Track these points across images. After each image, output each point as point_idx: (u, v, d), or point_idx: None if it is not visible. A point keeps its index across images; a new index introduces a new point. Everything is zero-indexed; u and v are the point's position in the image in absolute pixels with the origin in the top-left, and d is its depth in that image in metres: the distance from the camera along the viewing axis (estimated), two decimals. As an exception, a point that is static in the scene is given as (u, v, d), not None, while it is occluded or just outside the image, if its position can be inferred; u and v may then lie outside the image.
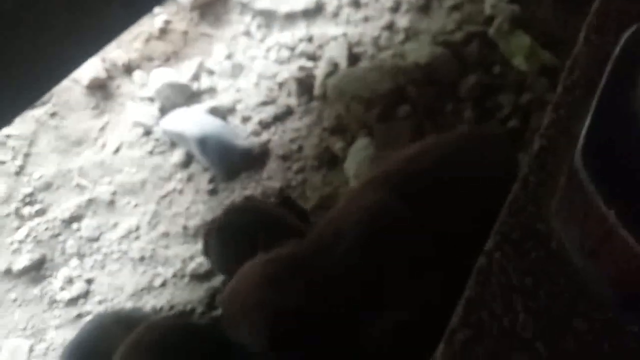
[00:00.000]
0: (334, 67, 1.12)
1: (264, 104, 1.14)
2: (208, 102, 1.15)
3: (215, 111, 1.13)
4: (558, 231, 0.50)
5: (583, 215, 0.46)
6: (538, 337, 0.45)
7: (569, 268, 0.48)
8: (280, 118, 1.12)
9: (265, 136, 1.11)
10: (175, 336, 0.76)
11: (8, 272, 1.03)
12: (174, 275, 1.01)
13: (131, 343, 0.75)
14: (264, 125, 1.12)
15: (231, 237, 0.83)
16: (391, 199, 0.67)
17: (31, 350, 0.96)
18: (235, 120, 1.14)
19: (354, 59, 1.14)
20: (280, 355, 0.62)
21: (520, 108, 1.02)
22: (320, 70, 1.13)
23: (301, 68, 1.14)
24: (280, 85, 1.16)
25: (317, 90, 1.11)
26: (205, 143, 1.06)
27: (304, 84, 1.13)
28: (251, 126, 1.12)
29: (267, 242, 0.70)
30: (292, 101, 1.14)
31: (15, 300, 1.01)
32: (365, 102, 1.03)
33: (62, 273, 1.03)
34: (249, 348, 0.66)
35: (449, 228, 0.67)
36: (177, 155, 1.11)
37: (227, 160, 1.06)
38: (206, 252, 0.89)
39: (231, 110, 1.15)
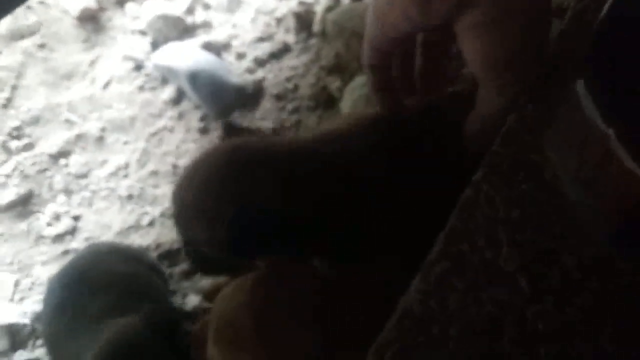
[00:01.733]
0: (335, 2, 1.06)
1: (260, 40, 1.09)
2: (202, 37, 1.10)
3: (209, 46, 1.08)
4: (553, 161, 0.46)
5: (581, 141, 0.42)
6: (521, 271, 0.41)
7: (561, 201, 0.44)
8: (276, 55, 1.07)
9: (260, 74, 1.06)
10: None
11: (-6, 206, 1.01)
12: (162, 215, 0.98)
13: None
14: (259, 62, 1.07)
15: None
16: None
17: (17, 284, 0.95)
18: (229, 57, 1.08)
19: (355, -6, 1.07)
20: (239, 259, 0.54)
21: None
22: (320, 5, 1.07)
23: (300, 3, 1.08)
24: (278, 20, 1.10)
25: (316, 27, 1.05)
26: (197, 79, 1.02)
27: (303, 20, 1.07)
28: (246, 63, 1.07)
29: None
30: (290, 38, 1.08)
31: (1, 234, 1.00)
32: (365, 39, 0.97)
33: (49, 209, 1.01)
34: (201, 250, 0.55)
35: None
36: (168, 92, 1.07)
37: (219, 97, 1.02)
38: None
39: (226, 46, 1.09)
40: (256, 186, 0.50)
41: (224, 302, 0.49)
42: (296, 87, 1.03)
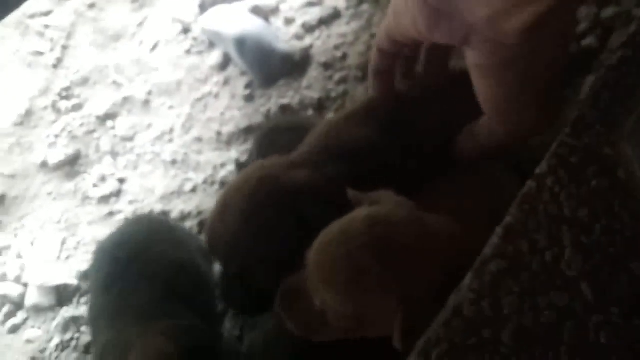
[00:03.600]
0: (390, -34, 1.00)
1: (310, 4, 1.04)
2: (250, 1, 1.07)
3: (257, 10, 1.05)
4: (629, 157, 0.42)
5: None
6: (585, 278, 0.38)
7: (636, 201, 0.40)
8: (325, 22, 1.03)
9: (308, 41, 1.02)
10: None
11: (44, 165, 1.03)
12: (204, 182, 0.98)
13: None
14: (308, 28, 1.03)
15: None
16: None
17: (63, 242, 0.97)
18: (277, 22, 1.05)
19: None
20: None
21: (601, 23, 0.88)
22: (373, -31, 1.02)
23: (353, -34, 1.03)
24: (329, -15, 1.05)
25: (368, -8, 1.01)
26: (243, 44, 0.99)
27: (355, -15, 1.02)
28: (294, 29, 1.03)
29: None
30: (341, 3, 1.03)
31: (50, 193, 1.02)
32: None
33: (96, 170, 1.02)
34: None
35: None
36: (214, 57, 1.05)
37: (265, 64, 0.99)
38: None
39: (274, 10, 1.06)
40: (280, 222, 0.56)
41: (335, 246, 0.47)
42: (345, 56, 0.99)
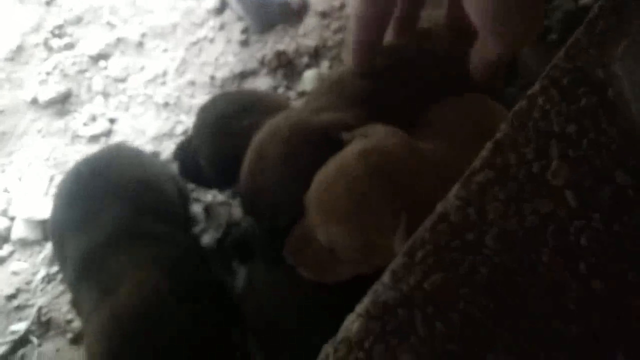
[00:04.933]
0: None
1: (310, -47, 1.04)
2: (249, -54, 1.05)
3: (256, -44, 1.04)
4: (619, 78, 0.42)
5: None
6: (570, 187, 0.39)
7: (623, 118, 0.41)
8: (325, -30, 1.02)
9: (306, -11, 1.01)
10: None
11: (34, 101, 1.02)
12: (196, 125, 0.97)
13: None
14: (307, -24, 1.02)
15: None
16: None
17: (51, 179, 0.97)
18: (276, -31, 1.04)
19: None
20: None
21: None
22: None
23: None
24: None
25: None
26: (241, -11, 0.98)
27: None
28: (293, -24, 1.02)
29: None
30: (341, -47, 1.03)
31: (40, 130, 1.01)
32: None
33: (87, 109, 1.01)
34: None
35: None
36: (211, 1, 1.04)
37: (262, 10, 0.99)
38: None
39: (273, -43, 1.05)
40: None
41: (333, 182, 0.48)
42: (342, 5, 0.99)
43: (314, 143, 0.57)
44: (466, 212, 0.40)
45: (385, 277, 0.38)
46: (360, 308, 0.38)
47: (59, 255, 0.72)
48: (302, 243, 0.51)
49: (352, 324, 0.37)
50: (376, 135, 0.51)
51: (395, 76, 0.61)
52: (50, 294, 0.85)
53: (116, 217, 0.68)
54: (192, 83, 1.01)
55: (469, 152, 0.44)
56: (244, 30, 1.01)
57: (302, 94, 0.94)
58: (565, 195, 0.38)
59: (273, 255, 0.60)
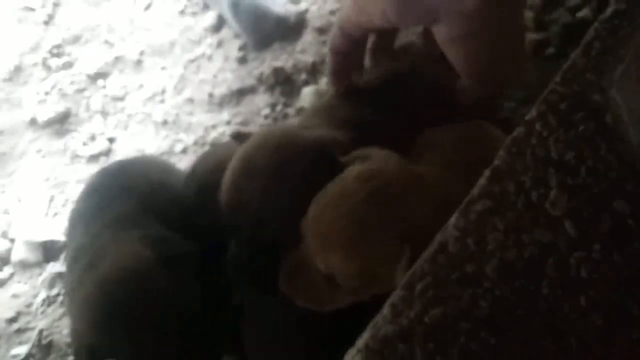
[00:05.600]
0: None
1: (306, -31, 1.04)
2: (246, -37, 1.06)
3: (252, -27, 1.04)
4: (617, 102, 0.42)
5: (653, 80, 0.38)
6: (569, 216, 0.38)
7: (622, 145, 0.41)
8: (321, -14, 1.02)
9: (303, 5, 1.01)
10: None
11: (33, 122, 1.02)
12: (195, 143, 0.97)
13: None
14: (303, -8, 1.02)
15: None
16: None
17: (51, 200, 0.97)
18: (273, -15, 1.04)
19: None
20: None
21: (597, -6, 0.88)
22: None
23: None
24: (326, -51, 1.04)
25: (365, -42, 1.00)
26: (238, 6, 0.98)
27: (352, -50, 1.01)
28: (289, -7, 1.03)
29: None
30: (337, -31, 1.03)
31: (39, 151, 1.01)
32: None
33: (86, 129, 1.01)
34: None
35: None
36: (208, 18, 1.04)
37: (260, 27, 0.99)
38: None
39: (270, -27, 1.05)
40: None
41: (334, 207, 0.48)
42: (340, 22, 0.99)
43: (306, 157, 0.54)
44: (465, 243, 0.39)
45: (385, 310, 0.38)
46: (360, 343, 0.37)
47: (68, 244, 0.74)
48: (298, 273, 0.51)
49: (352, 358, 0.37)
50: (376, 159, 0.51)
51: (387, 100, 0.61)
52: (50, 316, 0.85)
53: (118, 211, 0.67)
54: (190, 100, 1.01)
55: (468, 176, 0.44)
56: (242, 48, 1.01)
57: (300, 111, 0.93)
58: (564, 225, 0.38)
59: (258, 280, 0.57)
